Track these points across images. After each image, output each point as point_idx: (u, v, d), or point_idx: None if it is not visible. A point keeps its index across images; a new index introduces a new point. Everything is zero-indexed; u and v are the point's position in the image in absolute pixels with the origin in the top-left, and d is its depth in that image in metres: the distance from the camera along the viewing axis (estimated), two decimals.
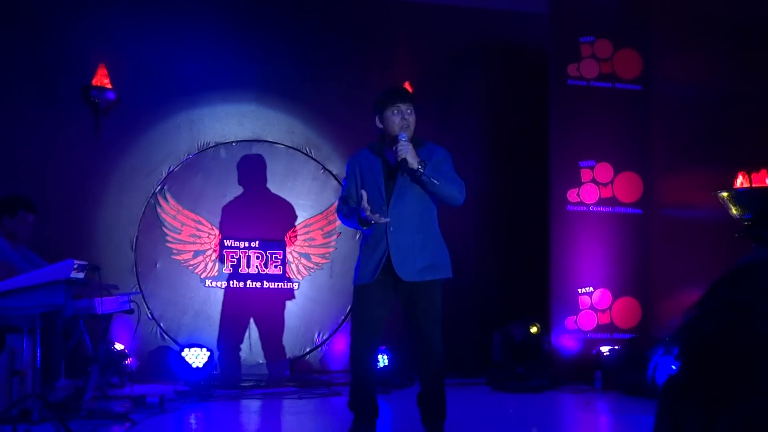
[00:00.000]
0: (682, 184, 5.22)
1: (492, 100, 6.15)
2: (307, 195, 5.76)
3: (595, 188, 5.44)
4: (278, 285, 5.70)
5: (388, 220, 3.32)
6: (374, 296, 3.41)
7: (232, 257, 5.66)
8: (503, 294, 5.89)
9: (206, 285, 5.61)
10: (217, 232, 5.64)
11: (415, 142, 3.39)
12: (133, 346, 5.28)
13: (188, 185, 5.64)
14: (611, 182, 5.46)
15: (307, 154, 5.82)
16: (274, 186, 5.76)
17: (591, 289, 5.38)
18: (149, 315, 5.47)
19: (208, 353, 5.13)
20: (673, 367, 0.48)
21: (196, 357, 5.10)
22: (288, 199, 5.75)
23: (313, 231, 5.79)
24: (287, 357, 5.65)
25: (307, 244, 5.77)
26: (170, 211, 5.61)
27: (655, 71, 5.47)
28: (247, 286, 5.65)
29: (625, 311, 5.41)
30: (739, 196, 4.01)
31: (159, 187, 5.60)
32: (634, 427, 4.07)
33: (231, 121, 5.77)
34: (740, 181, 4.07)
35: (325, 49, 5.90)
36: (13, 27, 5.44)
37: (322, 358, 5.77)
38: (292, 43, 5.87)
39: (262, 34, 5.83)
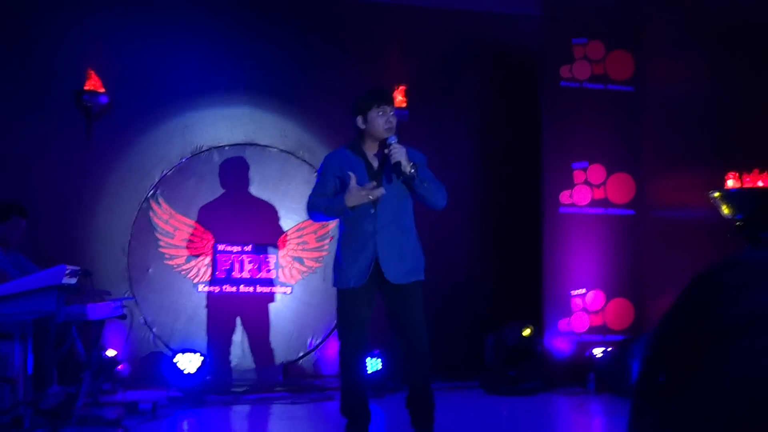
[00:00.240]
0: (674, 185, 5.19)
1: (484, 101, 6.15)
2: (300, 199, 5.68)
3: (588, 189, 5.44)
4: (271, 289, 5.69)
5: (382, 191, 3.31)
6: (361, 299, 3.41)
7: (225, 262, 5.66)
8: (496, 296, 5.88)
9: (199, 290, 5.60)
10: (210, 236, 5.63)
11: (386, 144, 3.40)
12: (126, 352, 5.30)
13: (181, 189, 5.63)
14: (604, 183, 5.47)
15: (300, 158, 5.83)
16: (267, 190, 5.75)
17: (584, 290, 5.38)
18: (142, 320, 5.47)
19: (201, 359, 5.07)
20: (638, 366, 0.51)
21: (189, 362, 5.04)
22: (281, 202, 5.75)
23: (306, 235, 5.78)
24: (280, 362, 5.63)
25: (300, 247, 5.76)
26: (163, 215, 5.60)
27: (647, 72, 5.47)
28: (240, 290, 5.64)
29: (618, 313, 5.41)
30: (730, 196, 4.03)
31: (152, 192, 5.59)
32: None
33: (224, 125, 5.76)
34: (732, 182, 4.10)
35: (317, 52, 5.90)
36: (4, 32, 5.42)
37: (315, 363, 5.76)
38: (285, 47, 5.87)
39: (255, 38, 5.82)
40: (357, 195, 3.30)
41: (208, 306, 5.60)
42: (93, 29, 5.55)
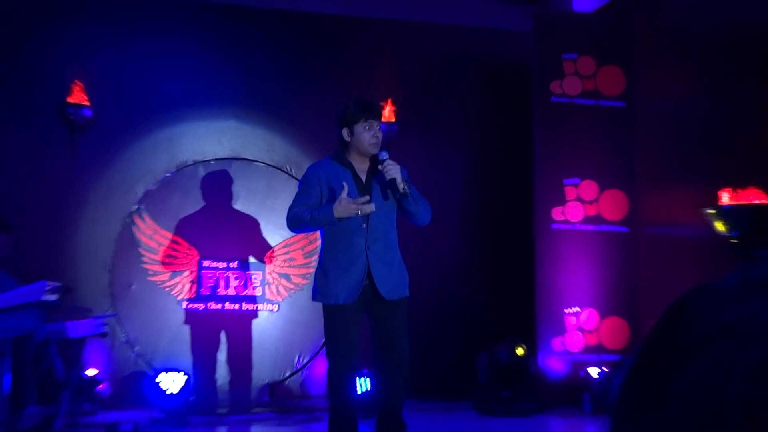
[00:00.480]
0: (668, 202, 5.16)
1: (475, 117, 6.14)
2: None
3: (581, 206, 5.41)
4: (257, 307, 5.62)
5: (373, 207, 3.26)
6: (350, 316, 3.37)
7: (210, 278, 5.59)
8: (488, 314, 5.84)
9: (183, 307, 5.52)
10: (194, 252, 5.57)
11: (377, 160, 3.40)
12: (107, 371, 5.24)
13: (166, 204, 5.57)
14: (596, 200, 5.44)
15: (287, 173, 5.79)
16: (253, 205, 5.70)
17: (578, 309, 5.33)
18: (124, 339, 5.39)
19: (185, 378, 4.98)
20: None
21: (172, 382, 4.95)
22: (267, 218, 5.69)
23: (293, 251, 5.72)
24: (266, 381, 5.55)
25: (287, 264, 5.71)
26: (147, 230, 5.54)
27: (639, 88, 5.46)
28: (225, 308, 5.57)
29: (613, 331, 5.35)
30: (725, 213, 4.00)
31: (136, 207, 5.54)
32: None
33: (209, 139, 5.72)
34: (726, 198, 4.09)
35: (306, 66, 5.88)
36: None
37: (302, 383, 5.67)
38: (272, 60, 5.85)
39: (242, 50, 5.80)
40: (347, 207, 3.23)
41: (192, 324, 5.51)
42: (78, 41, 5.51)
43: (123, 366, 5.39)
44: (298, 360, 5.65)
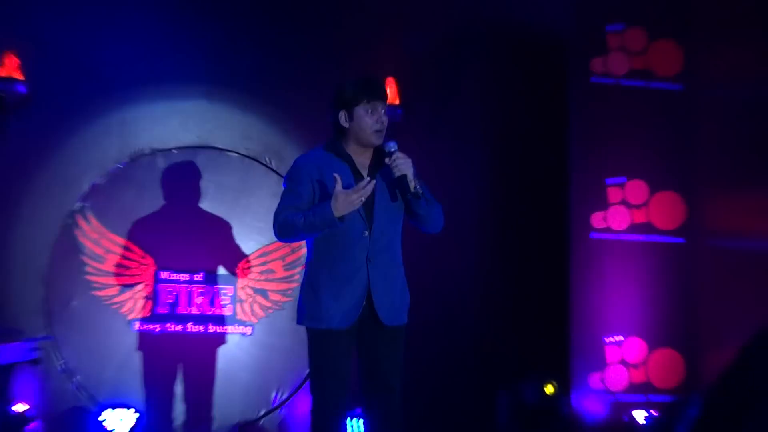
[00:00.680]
0: (735, 207, 5.24)
1: (497, 100, 6.01)
2: (266, 215, 5.36)
3: (626, 211, 5.50)
4: (226, 329, 5.56)
5: (373, 184, 3.24)
6: (342, 344, 3.37)
7: (169, 293, 5.55)
8: (511, 343, 5.72)
9: (135, 328, 5.45)
10: (150, 261, 5.52)
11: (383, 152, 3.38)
12: (40, 407, 5.12)
13: (116, 202, 5.48)
14: (646, 204, 5.52)
15: (266, 165, 5.73)
16: (224, 204, 5.61)
17: (621, 337, 5.40)
18: (61, 367, 5.33)
19: (135, 416, 5.04)
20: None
21: (120, 421, 5.01)
22: (241, 220, 5.61)
23: (271, 261, 5.65)
24: (236, 421, 5.46)
25: (263, 277, 5.65)
26: (92, 234, 5.46)
27: (701, 68, 5.52)
28: (188, 330, 5.50)
29: (665, 367, 5.40)
30: None
31: (79, 205, 5.47)
32: None
33: (172, 123, 5.64)
34: None
35: (291, 37, 5.78)
36: None
37: (280, 423, 5.58)
38: (251, 29, 5.75)
39: (214, 15, 5.69)
40: (347, 200, 3.18)
41: (145, 349, 5.44)
42: (11, 5, 5.41)
43: (60, 400, 5.31)
44: (276, 395, 5.59)
